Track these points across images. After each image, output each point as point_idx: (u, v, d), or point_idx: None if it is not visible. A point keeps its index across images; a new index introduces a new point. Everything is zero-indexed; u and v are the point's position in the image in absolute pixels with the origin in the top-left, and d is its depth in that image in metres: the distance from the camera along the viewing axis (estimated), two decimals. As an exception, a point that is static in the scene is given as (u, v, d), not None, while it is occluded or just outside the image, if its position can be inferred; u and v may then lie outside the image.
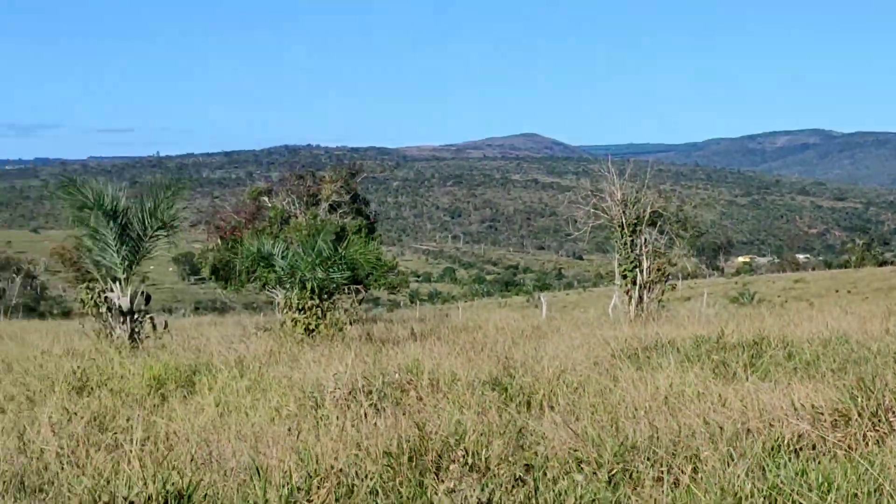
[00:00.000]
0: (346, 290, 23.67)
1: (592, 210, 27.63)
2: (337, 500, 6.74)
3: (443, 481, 6.98)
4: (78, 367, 13.03)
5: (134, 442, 7.65)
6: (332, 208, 45.97)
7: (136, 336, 18.75)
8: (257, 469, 7.01)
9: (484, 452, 7.39)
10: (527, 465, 7.37)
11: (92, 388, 12.07)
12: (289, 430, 8.62)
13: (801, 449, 7.45)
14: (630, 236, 26.59)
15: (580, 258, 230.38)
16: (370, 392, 10.46)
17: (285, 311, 20.79)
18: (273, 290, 31.30)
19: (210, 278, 44.34)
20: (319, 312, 20.18)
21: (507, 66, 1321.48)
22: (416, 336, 20.57)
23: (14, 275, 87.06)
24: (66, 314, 72.67)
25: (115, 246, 18.88)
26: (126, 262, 18.95)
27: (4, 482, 7.38)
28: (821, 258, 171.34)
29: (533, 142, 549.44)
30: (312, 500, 6.70)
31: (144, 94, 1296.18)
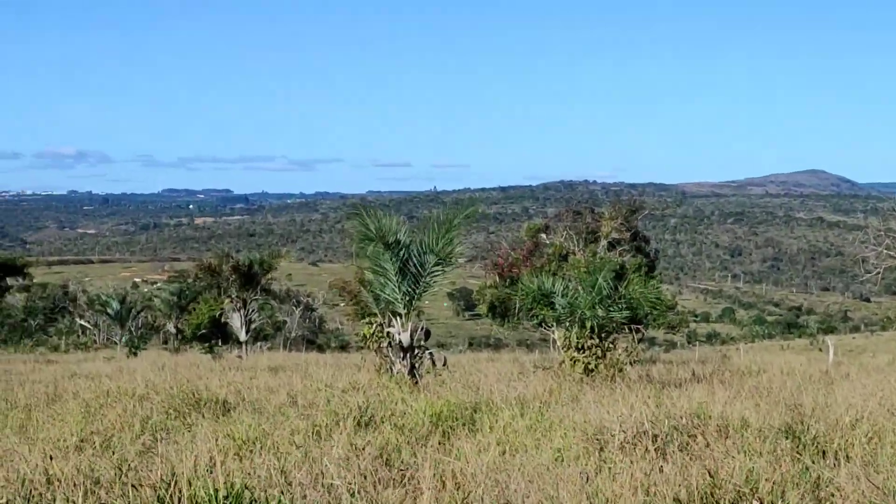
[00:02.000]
0: (626, 330, 23.67)
1: (885, 251, 26.29)
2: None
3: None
4: (363, 402, 13.78)
5: (425, 479, 8.04)
6: (612, 245, 46.01)
7: (415, 371, 19.32)
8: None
9: (779, 503, 7.30)
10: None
11: (376, 424, 12.70)
12: (580, 473, 8.75)
13: None
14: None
15: (868, 300, 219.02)
16: (656, 436, 10.49)
17: (564, 349, 21.03)
18: (549, 329, 31.69)
19: (487, 315, 45.33)
20: (599, 352, 20.28)
21: (791, 101, 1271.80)
22: (698, 378, 20.29)
23: (294, 307, 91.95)
24: (344, 347, 76.15)
25: (396, 280, 19.53)
26: (406, 297, 19.62)
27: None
28: None
29: (818, 178, 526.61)
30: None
31: (421, 129, 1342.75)
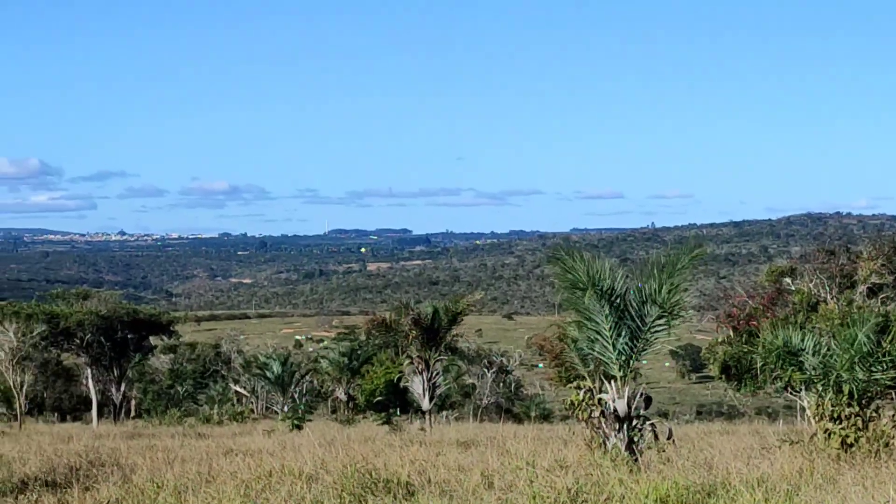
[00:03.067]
0: (893, 395, 23.04)
1: None
2: None
3: None
4: (572, 483, 13.88)
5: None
6: (872, 292, 44.88)
7: (634, 446, 19.18)
8: None
9: None
10: None
11: (589, 510, 12.81)
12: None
13: None
14: None
15: None
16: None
17: (816, 419, 20.61)
18: (797, 394, 31.07)
19: (719, 377, 44.72)
20: (859, 422, 19.81)
21: None
22: None
23: (485, 369, 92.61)
24: (546, 417, 76.22)
25: (610, 336, 19.55)
26: (622, 357, 19.59)
27: None
28: None
29: None
30: None
31: (636, 154, 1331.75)
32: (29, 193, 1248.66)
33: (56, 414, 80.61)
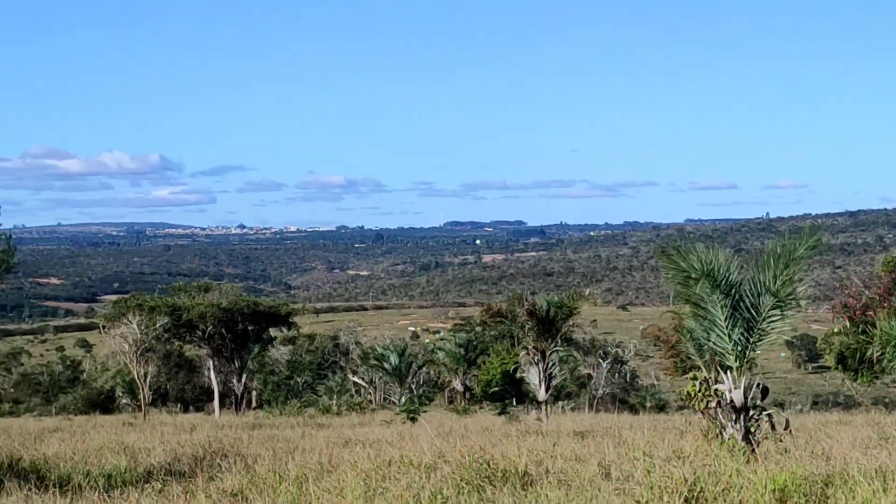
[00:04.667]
0: None
1: None
2: None
3: None
4: (690, 473, 13.85)
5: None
6: None
7: (751, 437, 19.08)
8: None
9: None
10: None
11: (707, 500, 12.77)
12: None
13: None
14: None
15: None
16: None
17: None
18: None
19: (835, 367, 44.11)
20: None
21: None
22: None
23: (600, 360, 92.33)
24: (662, 407, 75.81)
25: (726, 327, 19.47)
26: (738, 347, 19.48)
27: None
28: None
29: None
30: None
31: (749, 144, 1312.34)
32: (150, 188, 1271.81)
33: (179, 404, 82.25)
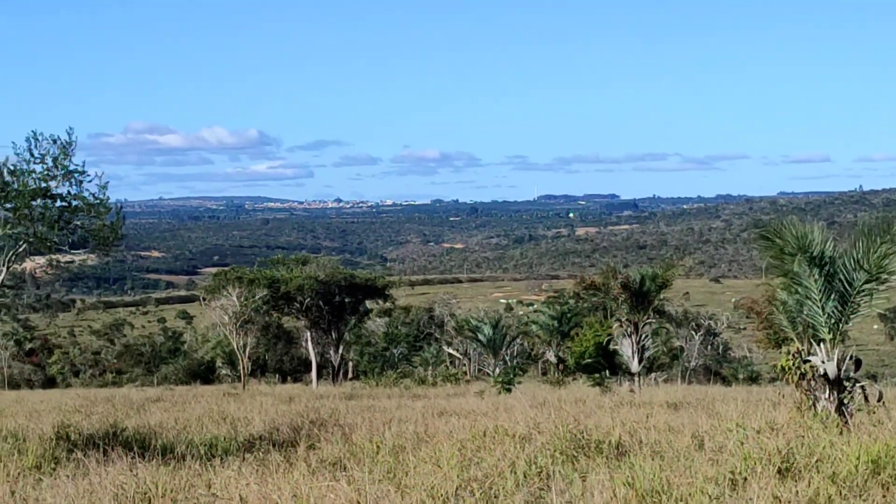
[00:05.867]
0: None
1: None
2: None
3: None
4: (783, 445, 13.77)
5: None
6: None
7: (844, 409, 18.93)
8: None
9: None
10: None
11: (800, 471, 12.70)
12: None
13: None
14: None
15: None
16: None
17: None
18: None
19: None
20: None
21: None
22: None
23: (693, 332, 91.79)
24: (754, 379, 75.09)
25: (820, 300, 19.30)
26: (831, 320, 19.32)
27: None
28: None
29: None
30: None
31: (843, 116, 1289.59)
32: (249, 163, 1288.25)
33: (277, 375, 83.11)
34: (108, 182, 33.02)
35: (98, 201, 33.01)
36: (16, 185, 31.79)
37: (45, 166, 32.77)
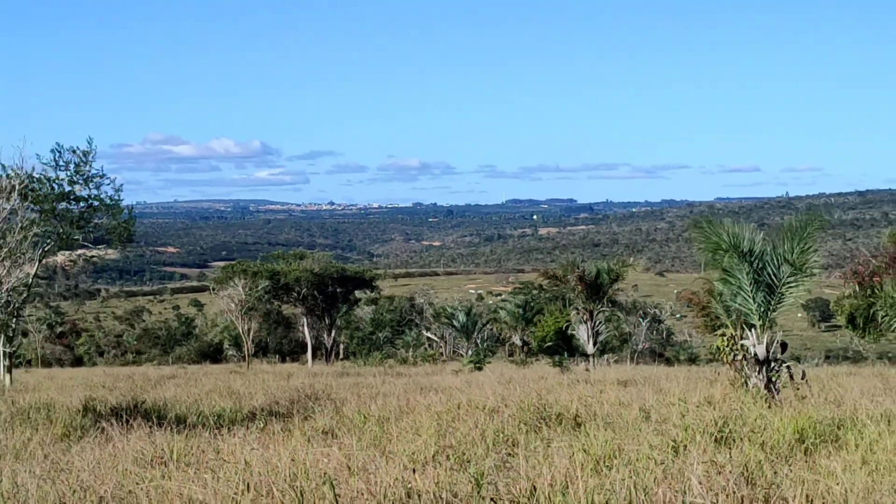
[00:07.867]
0: None
1: None
2: None
3: None
4: (719, 417, 13.85)
5: (793, 499, 8.05)
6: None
7: (772, 385, 19.11)
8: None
9: None
10: None
11: (734, 440, 12.76)
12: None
13: None
14: None
15: None
16: None
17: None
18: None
19: (846, 326, 43.74)
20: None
21: None
22: None
23: (640, 319, 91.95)
24: (693, 360, 75.38)
25: (750, 291, 19.44)
26: (761, 308, 19.45)
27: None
28: None
29: None
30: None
31: (771, 132, 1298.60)
32: (253, 170, 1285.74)
33: (277, 356, 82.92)
34: (122, 185, 32.90)
35: (114, 202, 32.89)
36: (42, 190, 31.70)
37: (68, 173, 32.65)
